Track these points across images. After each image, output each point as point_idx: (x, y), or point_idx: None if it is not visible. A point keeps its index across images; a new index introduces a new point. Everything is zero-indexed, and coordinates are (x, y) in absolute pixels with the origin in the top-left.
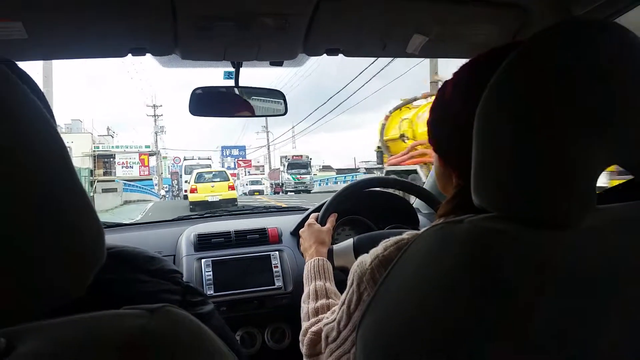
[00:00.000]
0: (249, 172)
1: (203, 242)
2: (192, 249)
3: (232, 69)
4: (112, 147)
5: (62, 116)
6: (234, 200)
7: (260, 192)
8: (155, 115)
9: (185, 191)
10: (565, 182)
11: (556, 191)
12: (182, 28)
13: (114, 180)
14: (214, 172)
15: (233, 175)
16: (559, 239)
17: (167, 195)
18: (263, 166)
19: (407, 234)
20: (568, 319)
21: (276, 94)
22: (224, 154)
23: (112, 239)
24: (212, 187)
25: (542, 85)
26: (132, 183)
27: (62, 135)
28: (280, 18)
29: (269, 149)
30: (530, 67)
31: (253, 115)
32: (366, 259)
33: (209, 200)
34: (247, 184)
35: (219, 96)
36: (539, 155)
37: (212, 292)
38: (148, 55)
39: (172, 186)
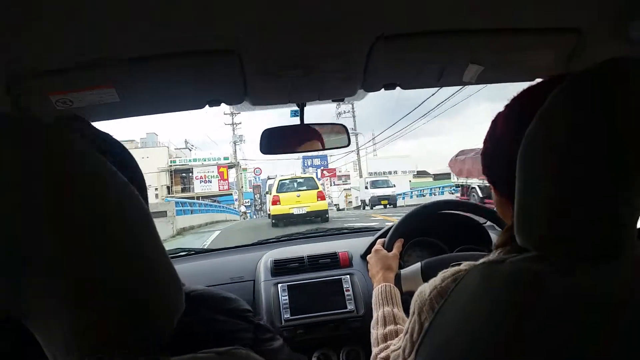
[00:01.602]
0: (334, 182)
1: (279, 268)
2: (269, 274)
3: (297, 108)
4: (189, 160)
5: (137, 130)
6: (325, 212)
7: (392, 203)
8: (233, 124)
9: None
10: (604, 218)
11: (599, 224)
12: (250, 79)
13: (193, 198)
14: (299, 180)
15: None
16: (601, 274)
17: (248, 212)
18: (348, 175)
19: (465, 264)
20: (619, 347)
21: (339, 127)
22: (305, 164)
23: (199, 264)
24: (298, 197)
25: (587, 119)
26: (201, 202)
27: (136, 150)
28: (340, 61)
29: (358, 154)
30: (576, 102)
31: (319, 149)
32: (426, 289)
33: (295, 212)
34: (367, 186)
35: (287, 134)
36: (581, 194)
37: (288, 315)
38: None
39: (255, 200)
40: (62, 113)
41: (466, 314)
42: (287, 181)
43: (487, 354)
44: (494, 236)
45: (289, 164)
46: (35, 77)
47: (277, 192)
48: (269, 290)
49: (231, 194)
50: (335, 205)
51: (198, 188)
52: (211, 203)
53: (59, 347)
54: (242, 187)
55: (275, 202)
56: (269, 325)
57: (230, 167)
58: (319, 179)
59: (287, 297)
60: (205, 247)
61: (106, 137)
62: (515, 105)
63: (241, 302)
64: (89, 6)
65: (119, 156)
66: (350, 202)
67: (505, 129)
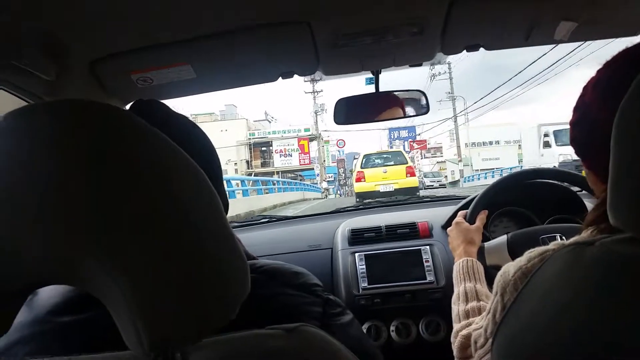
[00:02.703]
0: (424, 155)
1: (356, 237)
2: (346, 243)
3: (372, 76)
4: (269, 133)
5: (216, 103)
6: (415, 190)
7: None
8: (314, 92)
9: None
10: None
11: None
12: (321, 49)
13: (272, 173)
14: (385, 155)
15: None
16: None
17: (330, 188)
18: (440, 147)
19: (553, 244)
20: None
21: (417, 94)
22: (392, 136)
23: (280, 231)
24: (385, 172)
25: None
26: (275, 179)
27: (215, 123)
28: (414, 25)
29: (456, 121)
30: None
31: (397, 117)
32: (510, 269)
33: (381, 190)
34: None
35: (363, 102)
36: None
37: (366, 284)
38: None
39: (339, 175)
40: (143, 90)
41: (549, 296)
42: (373, 156)
43: (566, 340)
44: (589, 205)
45: (374, 136)
46: (117, 57)
47: (362, 167)
48: (346, 258)
49: (313, 169)
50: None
51: (278, 162)
52: (289, 180)
53: (129, 336)
54: (324, 160)
55: (359, 178)
56: (338, 299)
57: (311, 139)
58: (408, 152)
59: (364, 266)
60: (295, 215)
61: (183, 121)
62: (607, 70)
63: (310, 277)
64: None
65: (193, 141)
66: (446, 176)
67: (594, 96)
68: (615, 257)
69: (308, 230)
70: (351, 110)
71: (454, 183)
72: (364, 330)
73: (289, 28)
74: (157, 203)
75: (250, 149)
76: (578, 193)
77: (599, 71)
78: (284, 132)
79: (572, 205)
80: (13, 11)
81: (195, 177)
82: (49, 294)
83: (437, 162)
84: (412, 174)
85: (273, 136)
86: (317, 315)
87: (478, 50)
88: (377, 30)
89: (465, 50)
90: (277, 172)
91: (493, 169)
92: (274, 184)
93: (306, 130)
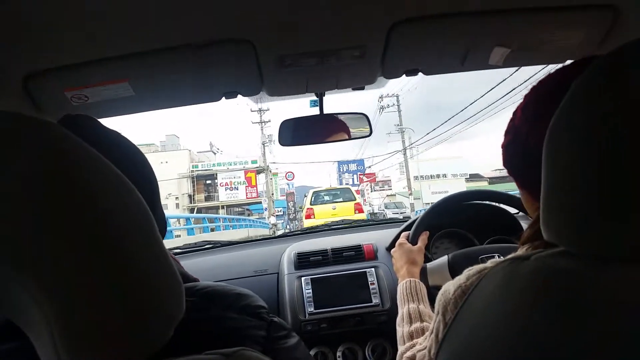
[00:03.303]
0: (373, 188)
1: (302, 260)
2: (292, 267)
3: (316, 98)
4: (213, 165)
5: (157, 133)
6: None
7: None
8: (261, 122)
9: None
10: (634, 213)
11: (622, 225)
12: (265, 69)
13: (218, 207)
14: (335, 191)
15: (357, 192)
16: (629, 273)
17: (279, 223)
18: (389, 181)
19: (491, 262)
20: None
21: (360, 116)
22: (341, 169)
23: (224, 257)
24: (334, 209)
25: (618, 107)
26: (220, 215)
27: (155, 154)
28: (355, 49)
29: (405, 154)
30: (604, 86)
31: (341, 139)
32: (450, 287)
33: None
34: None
35: (308, 124)
36: (611, 185)
37: (312, 309)
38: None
39: (288, 209)
40: (77, 108)
41: (488, 312)
42: (322, 193)
43: (505, 353)
44: (525, 226)
45: (323, 169)
46: (50, 73)
47: (312, 204)
48: (292, 283)
49: (260, 202)
50: (375, 214)
51: (223, 196)
52: (235, 217)
53: (50, 358)
54: (272, 194)
55: (309, 215)
56: (284, 322)
57: (259, 171)
58: (357, 185)
59: (310, 290)
60: (239, 240)
61: (114, 136)
62: (534, 94)
63: (255, 298)
64: (102, 1)
65: (128, 160)
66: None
67: (523, 119)
68: (549, 270)
69: (254, 255)
70: (296, 132)
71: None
72: None
73: (231, 47)
74: (84, 220)
75: (193, 182)
76: (515, 215)
77: (526, 95)
78: (230, 164)
79: (509, 226)
80: None
81: (131, 200)
82: None
83: (387, 195)
84: (361, 211)
85: (218, 168)
86: (260, 340)
87: (417, 74)
88: (320, 53)
89: (404, 75)
90: (223, 207)
91: None
92: (220, 221)
93: (253, 162)
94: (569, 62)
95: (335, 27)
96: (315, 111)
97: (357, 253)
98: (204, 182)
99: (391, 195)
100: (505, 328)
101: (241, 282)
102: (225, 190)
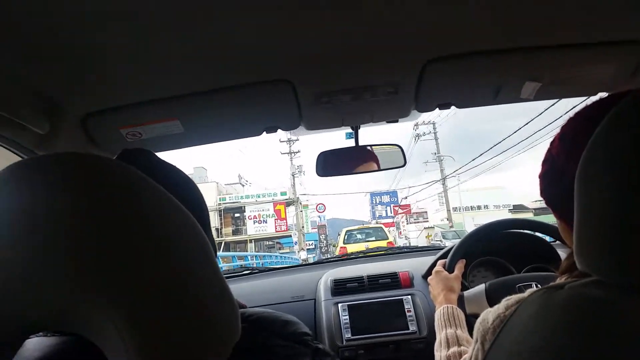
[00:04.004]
0: (410, 219)
1: (339, 287)
2: (329, 293)
3: (351, 130)
4: (241, 197)
5: (184, 165)
6: None
7: None
8: (291, 153)
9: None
10: None
11: None
12: (304, 106)
13: (246, 241)
14: (367, 230)
15: (391, 225)
16: None
17: (310, 258)
18: (425, 212)
19: (529, 291)
20: None
21: (395, 148)
22: (374, 201)
23: (262, 283)
24: (367, 248)
25: None
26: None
27: None
28: (390, 86)
29: (444, 184)
30: (636, 120)
31: (376, 170)
32: (489, 316)
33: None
34: None
35: (343, 155)
36: (635, 218)
37: (349, 335)
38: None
39: (320, 242)
40: (131, 145)
41: (524, 339)
42: (354, 231)
43: None
44: (562, 254)
45: (355, 200)
46: (108, 112)
47: (345, 243)
48: (329, 309)
49: (290, 236)
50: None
51: (251, 229)
52: (265, 254)
53: None
54: (302, 227)
55: (342, 253)
56: (328, 349)
57: (288, 204)
58: (392, 217)
59: (347, 317)
60: (276, 267)
61: (171, 169)
62: (571, 124)
63: (300, 325)
64: (154, 48)
65: (182, 188)
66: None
67: (560, 149)
68: (582, 299)
69: (291, 281)
70: (332, 163)
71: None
72: None
73: (272, 86)
74: (152, 249)
75: (220, 215)
76: (552, 243)
77: (563, 126)
78: (259, 196)
79: (546, 255)
80: (9, 66)
81: (188, 224)
82: (34, 348)
83: (425, 228)
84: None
85: (246, 200)
86: None
87: (449, 108)
88: (355, 90)
89: (437, 109)
90: (251, 241)
91: None
92: (250, 259)
93: (283, 194)
94: (602, 94)
95: (370, 65)
96: (351, 143)
97: (393, 280)
98: (231, 215)
99: (429, 227)
100: (541, 356)
101: (279, 308)
102: (254, 223)
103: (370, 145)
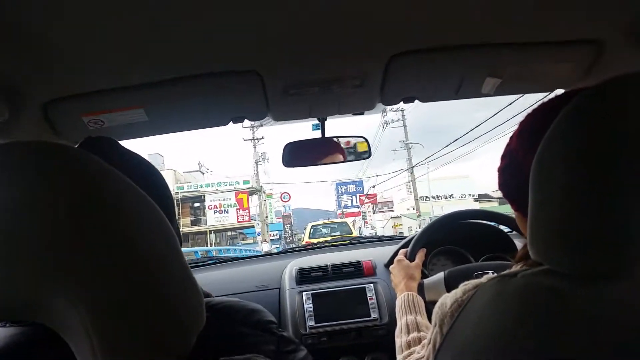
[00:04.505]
0: (375, 209)
1: (304, 276)
2: (294, 282)
3: (318, 122)
4: (201, 185)
5: (138, 151)
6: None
7: None
8: (254, 139)
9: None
10: (614, 234)
11: (607, 244)
12: (271, 97)
13: (206, 232)
14: (332, 225)
15: (357, 214)
16: (613, 292)
17: (274, 249)
18: (391, 202)
19: (485, 277)
20: None
21: (360, 139)
22: (340, 191)
23: (227, 272)
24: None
25: (601, 136)
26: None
27: None
28: (356, 78)
29: (412, 172)
30: (588, 117)
31: (342, 161)
32: (447, 300)
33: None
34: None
35: (310, 146)
36: (591, 207)
37: (313, 323)
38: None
39: (285, 231)
40: (93, 133)
41: (479, 326)
42: (319, 226)
43: None
44: (518, 244)
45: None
46: (69, 100)
47: (310, 237)
48: (293, 298)
49: (253, 226)
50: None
51: (212, 220)
52: (225, 247)
53: None
54: (266, 217)
55: None
56: (292, 336)
57: (251, 193)
58: (358, 206)
59: (311, 305)
60: (241, 255)
61: (135, 158)
62: (528, 120)
63: (265, 314)
64: (119, 34)
65: (146, 177)
66: (401, 232)
67: (519, 144)
68: (533, 287)
69: (255, 270)
70: (298, 154)
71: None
72: None
73: (239, 77)
74: (115, 236)
75: (178, 204)
76: (509, 233)
77: (521, 122)
78: (220, 185)
79: (503, 244)
80: None
81: (153, 214)
82: None
83: (392, 218)
84: None
85: (206, 189)
86: (270, 354)
87: (413, 102)
88: (323, 82)
89: (402, 102)
90: (211, 232)
91: None
92: (214, 254)
93: (245, 182)
94: (559, 91)
95: (337, 58)
96: (317, 134)
97: (356, 269)
98: (190, 204)
99: (396, 217)
100: (494, 342)
101: (244, 297)
102: (214, 213)
103: (337, 137)
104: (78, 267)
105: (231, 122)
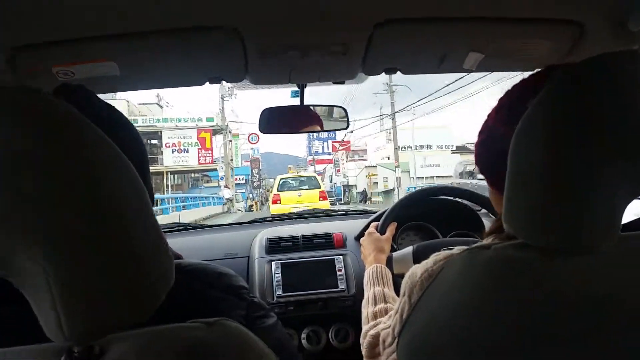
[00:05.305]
0: (349, 157)
1: (273, 246)
2: (263, 251)
3: (297, 89)
4: (158, 120)
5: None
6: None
7: None
8: None
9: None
10: (584, 210)
11: (573, 219)
12: (250, 58)
13: (162, 173)
14: (301, 178)
15: (329, 162)
16: (578, 266)
17: (240, 194)
18: (365, 150)
19: (457, 249)
20: (577, 345)
21: (339, 109)
22: (311, 136)
23: (196, 239)
24: (299, 196)
25: (571, 117)
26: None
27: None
28: (338, 45)
29: (394, 119)
30: (562, 98)
31: (318, 130)
32: (417, 270)
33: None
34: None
35: (287, 113)
36: (560, 185)
37: (280, 292)
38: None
39: (253, 176)
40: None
41: (448, 296)
42: (289, 179)
43: (460, 338)
44: (487, 223)
45: (291, 136)
46: (38, 48)
47: (278, 190)
48: (262, 267)
49: (216, 169)
50: (349, 187)
51: (169, 159)
52: (187, 195)
53: (49, 325)
54: (231, 159)
55: (275, 201)
56: (263, 302)
57: (215, 131)
58: (331, 153)
59: (280, 275)
60: (212, 224)
61: (110, 110)
62: (507, 97)
63: (237, 278)
64: None
65: (121, 131)
66: (376, 183)
67: (497, 120)
68: (505, 259)
69: (225, 238)
70: (276, 120)
71: (388, 193)
72: None
73: (218, 34)
74: (85, 191)
75: None
76: (478, 212)
77: (500, 99)
78: (180, 121)
79: (471, 222)
80: None
81: (124, 169)
82: None
83: (366, 167)
84: (325, 198)
85: (164, 125)
86: (239, 319)
87: (395, 73)
88: (303, 46)
89: (384, 72)
90: (168, 173)
91: (433, 176)
92: (168, 202)
93: (209, 119)
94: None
95: (321, 23)
96: (296, 101)
97: (327, 241)
98: (145, 141)
99: (371, 166)
100: (463, 312)
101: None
102: (173, 152)
103: (315, 106)
104: (49, 223)
105: (207, 83)
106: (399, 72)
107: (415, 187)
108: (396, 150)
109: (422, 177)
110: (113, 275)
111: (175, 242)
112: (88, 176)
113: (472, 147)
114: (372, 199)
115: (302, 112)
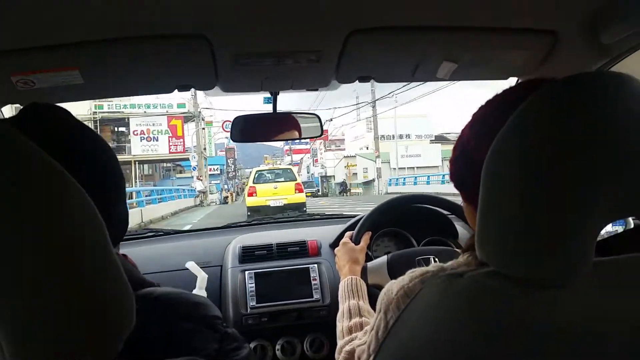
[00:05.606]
0: (327, 147)
1: (247, 255)
2: (237, 260)
3: (270, 96)
4: (125, 106)
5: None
6: (303, 205)
7: None
8: None
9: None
10: (558, 241)
11: (546, 251)
12: (220, 66)
13: (130, 163)
14: (277, 171)
15: (307, 152)
16: (551, 298)
17: (214, 185)
18: (342, 139)
19: (432, 266)
20: None
21: (312, 117)
22: None
23: (167, 247)
24: (275, 188)
25: (548, 138)
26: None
27: None
28: (312, 53)
29: (374, 107)
30: (538, 119)
31: (292, 138)
32: (393, 287)
33: (271, 205)
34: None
35: (260, 121)
36: (533, 213)
37: (254, 303)
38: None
39: (228, 166)
40: (21, 93)
41: (424, 322)
42: (264, 172)
43: None
44: (459, 227)
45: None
46: None
47: (254, 182)
48: (235, 277)
49: (188, 159)
50: (327, 178)
51: (137, 148)
52: (160, 188)
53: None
54: (204, 148)
55: (251, 193)
56: (237, 333)
57: (187, 119)
58: (308, 143)
59: (253, 285)
60: (183, 229)
61: (79, 130)
62: (481, 112)
63: (211, 308)
64: None
65: (88, 151)
66: (355, 173)
67: (471, 136)
68: (478, 289)
69: (197, 246)
70: (248, 128)
71: (368, 184)
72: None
73: (186, 42)
74: (30, 230)
75: (96, 127)
76: (449, 216)
77: (474, 114)
78: (148, 107)
79: (445, 227)
80: None
81: (77, 200)
82: None
83: (345, 157)
84: (301, 190)
85: (131, 111)
86: (212, 352)
87: (369, 81)
88: (276, 54)
89: (358, 81)
90: (136, 162)
91: (414, 167)
92: (143, 195)
93: (180, 106)
94: (513, 79)
95: (294, 30)
96: (269, 107)
97: (301, 249)
98: (111, 128)
99: (350, 157)
100: (437, 342)
101: (183, 274)
102: (141, 140)
103: (289, 113)
104: None
105: (176, 90)
106: (372, 81)
107: (397, 179)
108: (377, 139)
109: (404, 168)
110: (64, 317)
111: (145, 250)
112: (34, 211)
113: (451, 138)
114: (352, 190)
115: (275, 120)
